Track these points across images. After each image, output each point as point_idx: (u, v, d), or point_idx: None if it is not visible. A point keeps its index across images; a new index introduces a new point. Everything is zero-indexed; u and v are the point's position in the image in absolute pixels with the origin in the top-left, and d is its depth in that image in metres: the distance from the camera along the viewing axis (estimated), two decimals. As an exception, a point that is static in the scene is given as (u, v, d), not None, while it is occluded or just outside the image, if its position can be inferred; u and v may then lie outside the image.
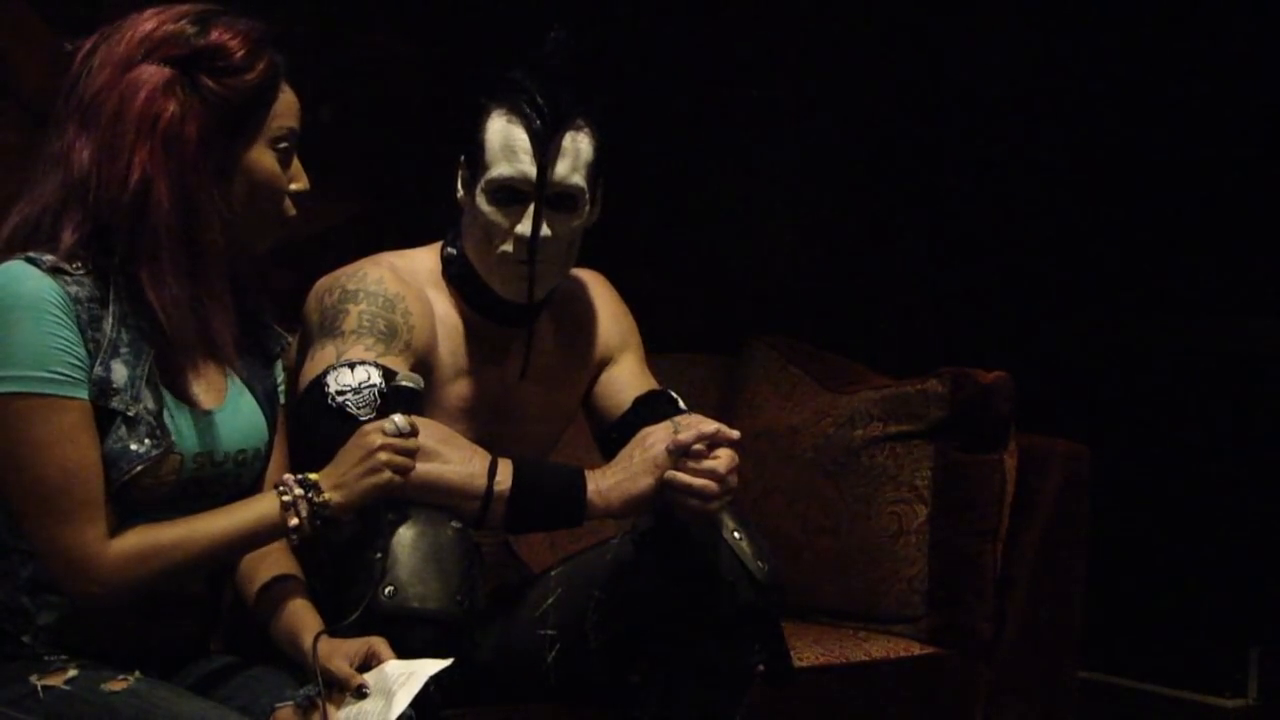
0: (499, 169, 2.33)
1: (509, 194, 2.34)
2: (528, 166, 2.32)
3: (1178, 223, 4.10)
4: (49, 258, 1.89)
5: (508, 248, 2.35)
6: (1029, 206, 4.19)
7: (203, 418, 1.99)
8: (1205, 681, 3.99)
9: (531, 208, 2.33)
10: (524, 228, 2.33)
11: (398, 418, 2.04)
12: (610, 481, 2.22)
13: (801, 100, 3.95)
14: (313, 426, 2.23)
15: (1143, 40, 4.10)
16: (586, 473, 2.24)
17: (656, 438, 2.24)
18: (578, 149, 2.34)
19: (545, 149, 2.32)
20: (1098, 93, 4.16)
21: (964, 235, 4.12)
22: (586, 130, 2.35)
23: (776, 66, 3.91)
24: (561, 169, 2.33)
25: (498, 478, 2.20)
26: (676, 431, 2.23)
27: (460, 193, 2.42)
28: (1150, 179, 4.13)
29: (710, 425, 2.23)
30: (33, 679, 1.90)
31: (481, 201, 2.35)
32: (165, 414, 1.93)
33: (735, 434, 2.24)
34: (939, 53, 4.09)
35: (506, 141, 2.33)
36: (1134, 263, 4.16)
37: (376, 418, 2.16)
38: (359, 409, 2.19)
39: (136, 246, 1.91)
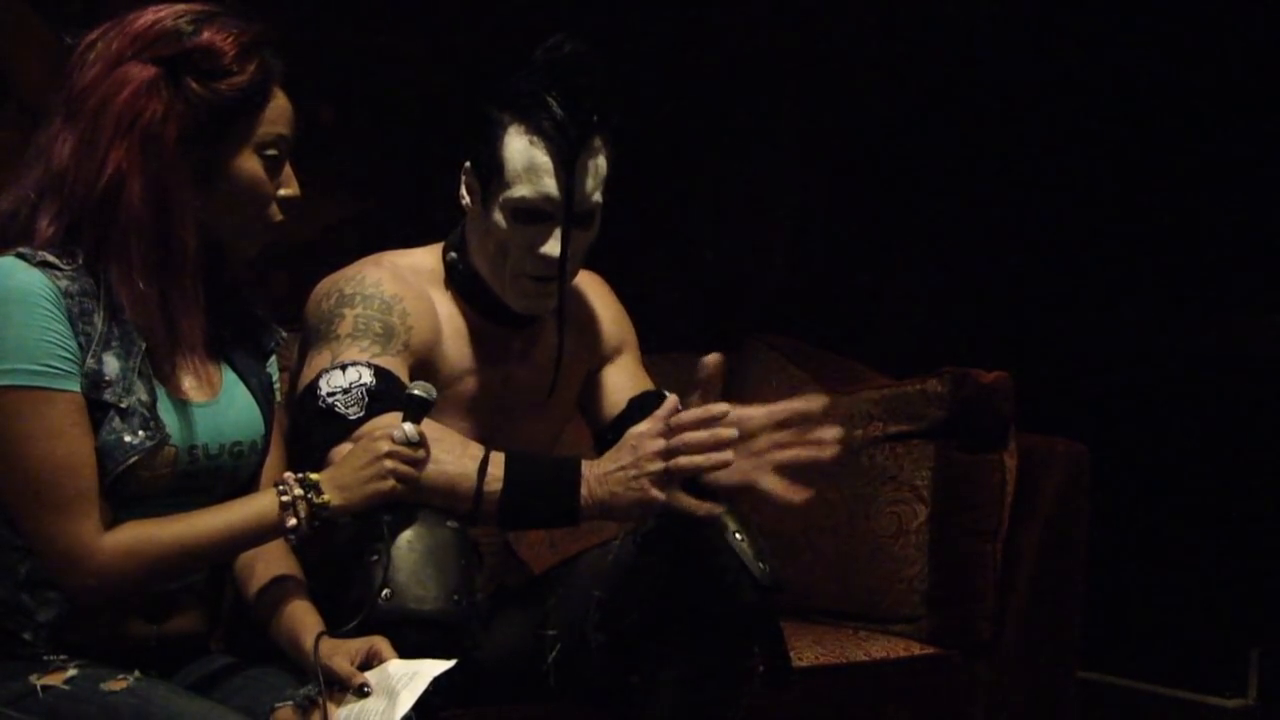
0: (521, 189, 2.31)
1: (532, 214, 2.32)
2: (552, 189, 2.30)
3: (1178, 222, 4.10)
4: (39, 253, 1.89)
5: (527, 265, 2.34)
6: (1029, 206, 4.19)
7: (197, 410, 1.99)
8: (1205, 681, 3.99)
9: (555, 228, 2.31)
10: (548, 248, 2.31)
11: (408, 426, 2.04)
12: (604, 494, 2.18)
13: (801, 99, 3.95)
14: (305, 428, 2.23)
15: (1142, 38, 4.10)
16: (583, 470, 2.20)
17: (652, 449, 2.15)
18: (597, 166, 2.33)
19: (571, 171, 2.29)
20: (1098, 92, 4.16)
21: (964, 235, 4.12)
22: (602, 145, 2.34)
23: (776, 65, 3.91)
24: (584, 188, 2.32)
25: (489, 474, 2.18)
26: (670, 457, 2.15)
27: (466, 200, 2.41)
28: (1151, 178, 4.13)
29: (703, 460, 2.13)
30: (32, 679, 1.90)
31: (499, 218, 2.33)
32: (159, 406, 1.93)
33: (724, 408, 2.15)
34: (939, 52, 4.09)
35: (530, 162, 2.30)
36: (1134, 263, 4.16)
37: (366, 416, 2.17)
38: (347, 408, 2.19)
39: (105, 241, 1.91)
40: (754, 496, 2.20)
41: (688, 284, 3.76)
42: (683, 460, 2.13)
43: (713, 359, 2.19)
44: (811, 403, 2.20)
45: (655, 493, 2.14)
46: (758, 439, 2.17)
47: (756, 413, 2.18)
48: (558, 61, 2.30)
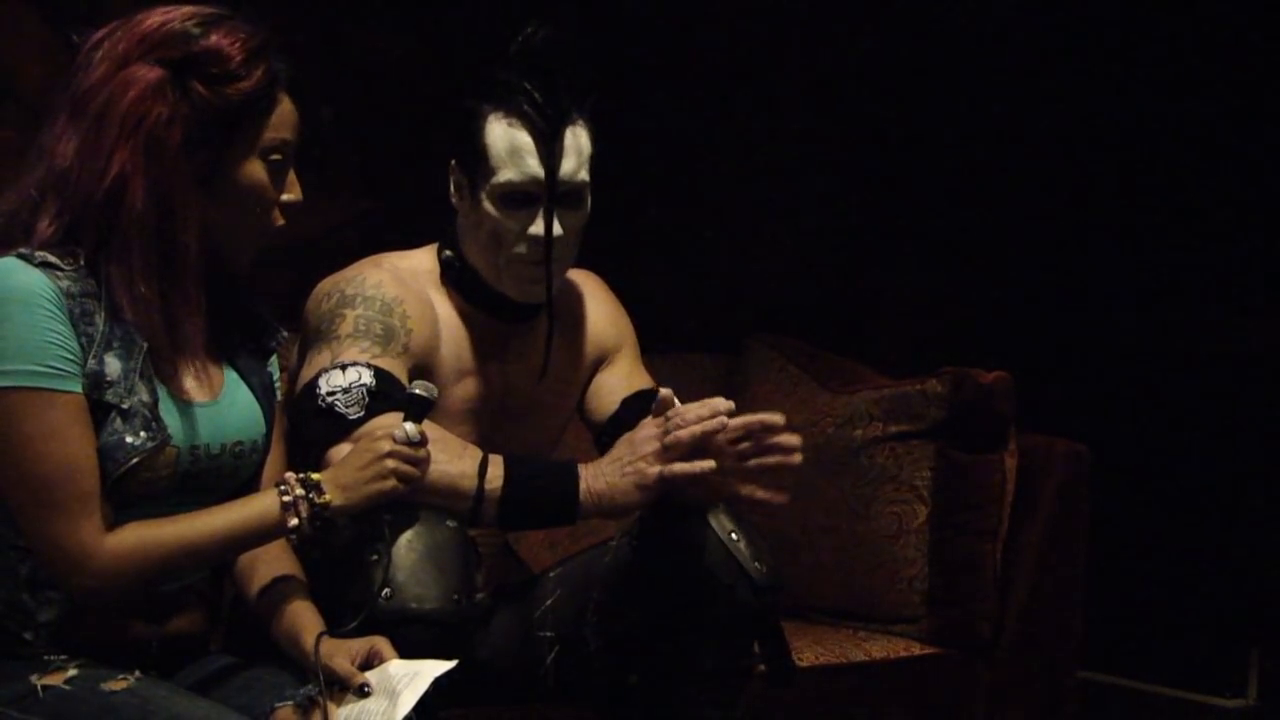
0: (506, 174, 2.32)
1: (519, 197, 2.33)
2: (535, 169, 2.31)
3: (1178, 222, 4.10)
4: (40, 253, 1.89)
5: (520, 249, 2.34)
6: (1029, 206, 4.19)
7: (198, 410, 1.99)
8: (1205, 681, 3.99)
9: (542, 209, 2.33)
10: (537, 228, 2.33)
11: (409, 426, 2.04)
12: (602, 485, 2.21)
13: (802, 99, 3.95)
14: (304, 428, 2.23)
15: (1142, 40, 4.10)
16: (580, 470, 2.22)
17: (646, 434, 2.21)
18: (579, 144, 2.34)
19: (552, 149, 2.31)
20: (1098, 92, 4.16)
21: (964, 235, 4.12)
22: (582, 123, 2.35)
23: (777, 65, 3.91)
24: (568, 166, 2.33)
25: (488, 475, 2.19)
26: (666, 435, 2.19)
27: (455, 197, 2.41)
28: (1151, 178, 4.13)
29: (698, 427, 2.18)
30: (33, 678, 1.89)
31: (489, 207, 2.34)
32: (160, 406, 1.93)
33: (729, 404, 2.20)
34: (940, 53, 4.09)
35: (512, 145, 2.31)
36: (1134, 262, 4.16)
37: (366, 417, 2.17)
38: (347, 408, 2.19)
39: (107, 243, 1.91)
40: (739, 505, 2.23)
41: (688, 284, 3.76)
42: (680, 433, 2.16)
43: (666, 393, 2.24)
44: (769, 416, 2.23)
45: (651, 470, 2.17)
46: (722, 454, 2.20)
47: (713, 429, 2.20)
48: (531, 48, 2.31)
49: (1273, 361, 3.93)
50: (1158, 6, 4.05)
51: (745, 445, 2.22)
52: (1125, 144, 4.15)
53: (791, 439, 2.23)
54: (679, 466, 2.17)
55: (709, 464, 2.17)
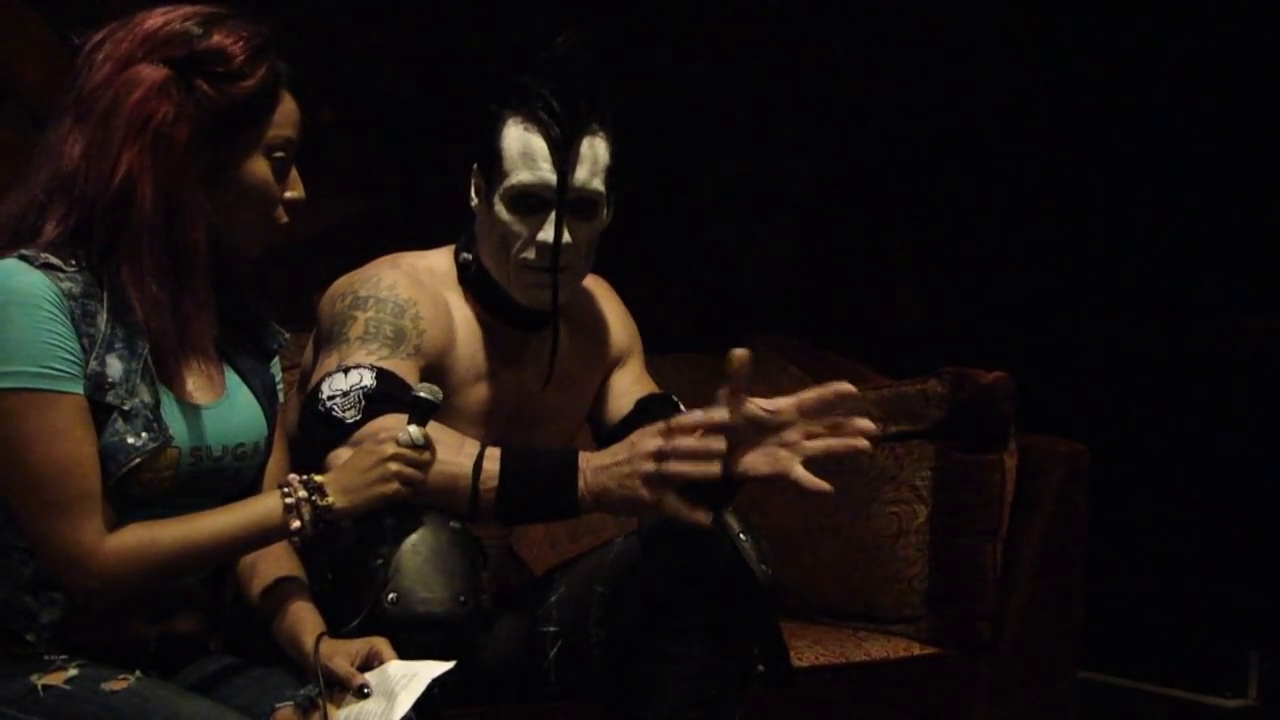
0: (519, 176, 2.32)
1: (529, 201, 2.33)
2: (548, 173, 2.31)
3: (1177, 222, 4.10)
4: (42, 255, 1.89)
5: (529, 255, 2.34)
6: (1029, 206, 4.19)
7: (200, 412, 1.99)
8: (1205, 681, 3.99)
9: (552, 214, 2.33)
10: (545, 234, 2.32)
11: (413, 429, 2.03)
12: (599, 487, 2.16)
13: (802, 99, 3.95)
14: (307, 431, 2.23)
15: (1140, 40, 4.11)
16: (580, 463, 2.17)
17: (647, 448, 2.12)
18: (595, 154, 2.34)
19: (565, 155, 2.31)
20: (1097, 92, 4.16)
21: (964, 235, 4.12)
22: (602, 135, 2.35)
23: (777, 65, 3.91)
24: (581, 175, 2.33)
25: (484, 471, 2.15)
26: (661, 460, 2.11)
27: (474, 200, 2.41)
28: (1150, 178, 4.13)
29: (693, 443, 2.09)
30: (33, 678, 1.89)
31: (500, 209, 2.35)
32: (162, 408, 1.93)
33: (724, 413, 2.10)
34: (939, 53, 4.09)
35: (525, 149, 2.32)
36: (1133, 262, 4.16)
37: (363, 420, 2.16)
38: (344, 412, 2.18)
39: (117, 244, 1.91)
40: (783, 486, 2.17)
41: (688, 284, 3.76)
42: (673, 465, 2.10)
43: (740, 353, 2.13)
44: (839, 388, 2.14)
45: (644, 493, 2.11)
46: (790, 430, 2.14)
47: (785, 403, 2.14)
48: (553, 57, 2.32)
49: (1273, 361, 3.93)
50: (1155, 13, 4.06)
51: (813, 426, 2.13)
52: (1126, 144, 4.15)
53: (862, 423, 2.13)
54: (677, 507, 2.09)
55: (705, 519, 2.10)
